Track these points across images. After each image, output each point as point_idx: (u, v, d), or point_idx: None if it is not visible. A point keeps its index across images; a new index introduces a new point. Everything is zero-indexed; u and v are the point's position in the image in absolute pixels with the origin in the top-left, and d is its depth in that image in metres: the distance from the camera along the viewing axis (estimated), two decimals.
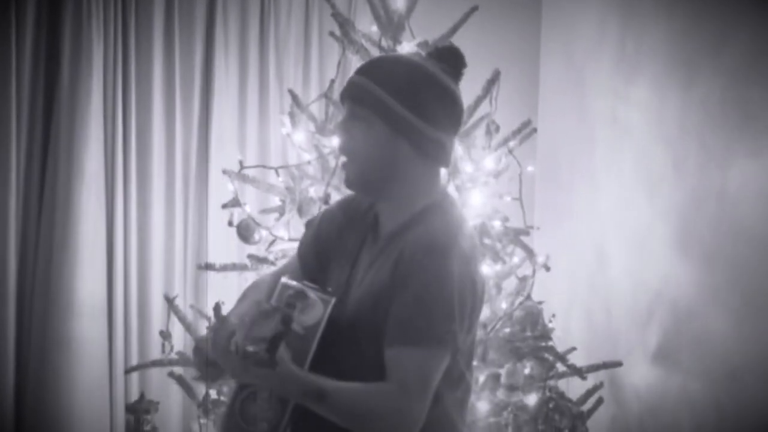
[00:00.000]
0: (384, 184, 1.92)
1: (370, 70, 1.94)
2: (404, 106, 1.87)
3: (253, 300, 1.99)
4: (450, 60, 1.95)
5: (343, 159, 1.96)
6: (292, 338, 1.77)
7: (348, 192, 2.05)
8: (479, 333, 3.07)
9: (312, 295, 1.88)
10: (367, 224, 2.00)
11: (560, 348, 3.20)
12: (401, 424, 1.76)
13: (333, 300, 1.88)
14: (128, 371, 3.70)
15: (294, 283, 1.93)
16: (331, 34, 3.31)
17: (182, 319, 3.28)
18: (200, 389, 3.23)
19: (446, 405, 1.87)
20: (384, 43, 3.11)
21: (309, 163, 3.16)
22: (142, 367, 3.54)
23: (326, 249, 2.05)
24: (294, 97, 3.24)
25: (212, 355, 1.84)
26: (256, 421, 1.85)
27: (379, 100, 1.88)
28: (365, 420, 1.78)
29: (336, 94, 3.15)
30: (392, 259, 1.85)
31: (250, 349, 1.70)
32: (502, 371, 3.02)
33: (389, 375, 1.77)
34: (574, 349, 3.31)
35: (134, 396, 3.84)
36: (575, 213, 4.13)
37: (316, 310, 1.86)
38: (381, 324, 1.82)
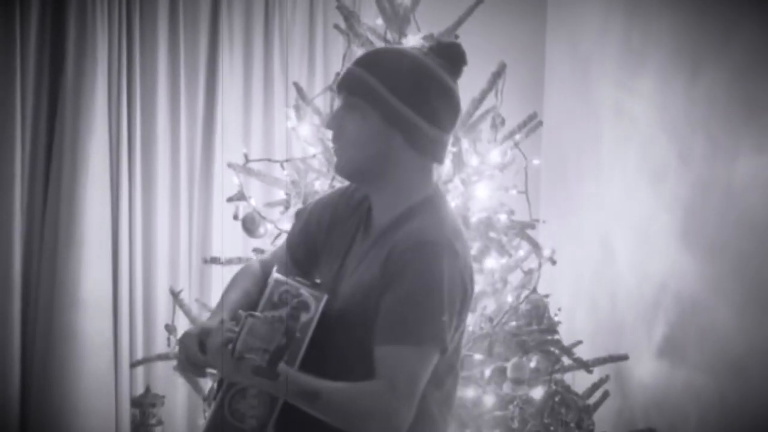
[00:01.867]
0: (374, 174, 1.91)
1: (367, 61, 1.93)
2: (400, 99, 1.86)
3: (242, 290, 1.99)
4: (451, 56, 1.93)
5: (334, 146, 1.94)
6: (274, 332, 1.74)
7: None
8: (485, 326, 3.07)
9: (304, 292, 1.87)
10: (359, 217, 1.99)
11: (566, 341, 3.20)
12: (390, 422, 1.76)
13: (325, 297, 1.87)
14: (134, 365, 3.70)
15: (286, 279, 1.91)
16: (336, 27, 3.29)
17: (187, 313, 3.27)
18: (206, 383, 3.24)
19: (428, 403, 1.86)
20: (389, 36, 3.09)
21: (314, 156, 3.15)
22: (147, 360, 3.54)
23: (316, 240, 2.04)
24: (299, 90, 3.23)
25: (201, 354, 1.83)
26: (245, 417, 1.85)
27: (375, 92, 1.86)
28: (355, 419, 1.77)
29: None
30: (383, 255, 1.84)
31: (250, 356, 1.69)
32: (508, 365, 3.01)
33: (378, 373, 1.77)
34: (579, 342, 3.30)
35: (140, 390, 3.84)
36: (581, 206, 4.12)
37: (308, 307, 1.86)
38: (369, 319, 1.81)
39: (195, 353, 1.85)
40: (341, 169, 1.94)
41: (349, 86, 1.91)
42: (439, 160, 1.95)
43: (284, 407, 1.84)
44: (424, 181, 1.93)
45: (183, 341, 1.90)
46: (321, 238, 2.04)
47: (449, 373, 1.92)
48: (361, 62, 1.93)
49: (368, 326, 1.81)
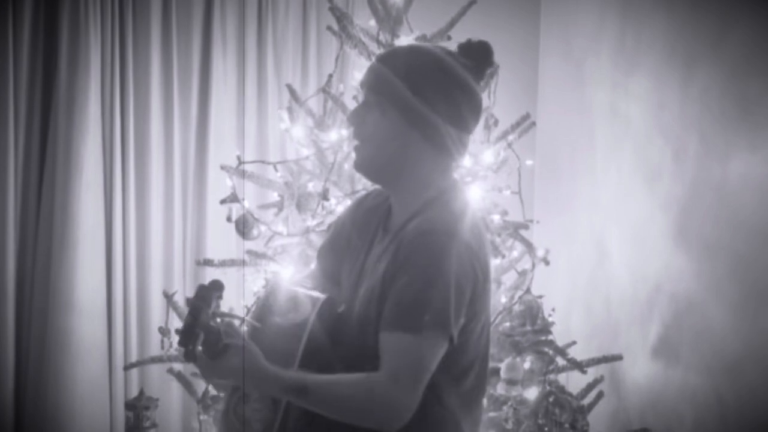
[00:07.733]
0: (392, 172, 1.92)
1: (389, 58, 1.94)
2: (419, 98, 1.87)
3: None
4: (477, 56, 1.94)
5: (354, 143, 1.96)
6: (272, 335, 1.82)
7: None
8: None
9: (300, 293, 1.90)
10: (378, 218, 2.01)
11: (560, 342, 3.19)
12: (389, 411, 1.73)
13: (322, 298, 1.89)
14: (127, 368, 3.69)
15: (282, 284, 1.96)
16: (329, 28, 3.29)
17: (181, 316, 3.27)
18: (200, 385, 3.23)
19: (449, 402, 1.85)
20: (382, 37, 3.09)
21: (307, 158, 3.14)
22: (141, 363, 3.53)
23: (342, 246, 2.06)
24: (292, 92, 3.23)
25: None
26: (251, 421, 1.86)
27: (394, 90, 1.87)
28: (352, 411, 1.76)
29: (334, 89, 3.15)
30: (394, 249, 1.85)
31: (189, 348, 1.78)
32: (502, 365, 3.01)
33: (381, 361, 1.76)
34: (574, 342, 3.30)
35: (134, 392, 3.83)
36: (575, 206, 4.12)
37: (305, 308, 1.88)
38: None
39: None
40: (360, 166, 1.95)
41: (370, 83, 1.92)
42: (458, 158, 1.96)
43: (293, 409, 1.85)
44: (441, 177, 1.94)
45: None
46: (346, 242, 2.05)
47: (469, 370, 1.90)
48: (383, 59, 1.94)
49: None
